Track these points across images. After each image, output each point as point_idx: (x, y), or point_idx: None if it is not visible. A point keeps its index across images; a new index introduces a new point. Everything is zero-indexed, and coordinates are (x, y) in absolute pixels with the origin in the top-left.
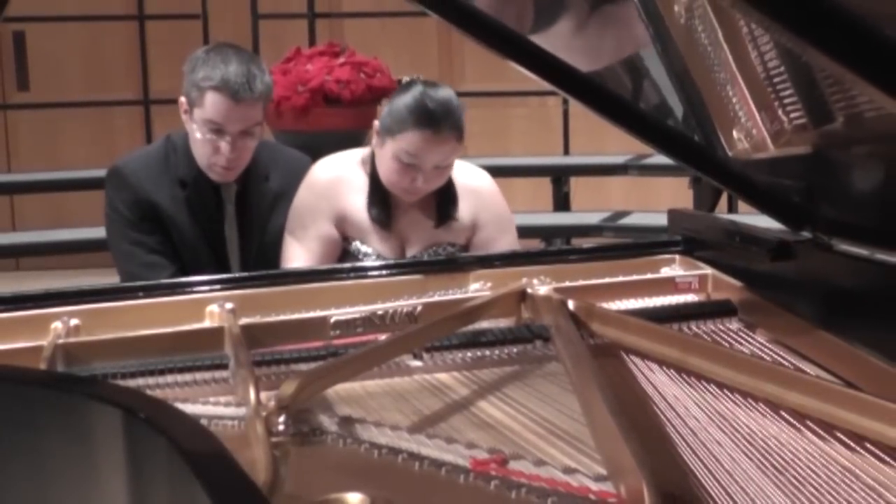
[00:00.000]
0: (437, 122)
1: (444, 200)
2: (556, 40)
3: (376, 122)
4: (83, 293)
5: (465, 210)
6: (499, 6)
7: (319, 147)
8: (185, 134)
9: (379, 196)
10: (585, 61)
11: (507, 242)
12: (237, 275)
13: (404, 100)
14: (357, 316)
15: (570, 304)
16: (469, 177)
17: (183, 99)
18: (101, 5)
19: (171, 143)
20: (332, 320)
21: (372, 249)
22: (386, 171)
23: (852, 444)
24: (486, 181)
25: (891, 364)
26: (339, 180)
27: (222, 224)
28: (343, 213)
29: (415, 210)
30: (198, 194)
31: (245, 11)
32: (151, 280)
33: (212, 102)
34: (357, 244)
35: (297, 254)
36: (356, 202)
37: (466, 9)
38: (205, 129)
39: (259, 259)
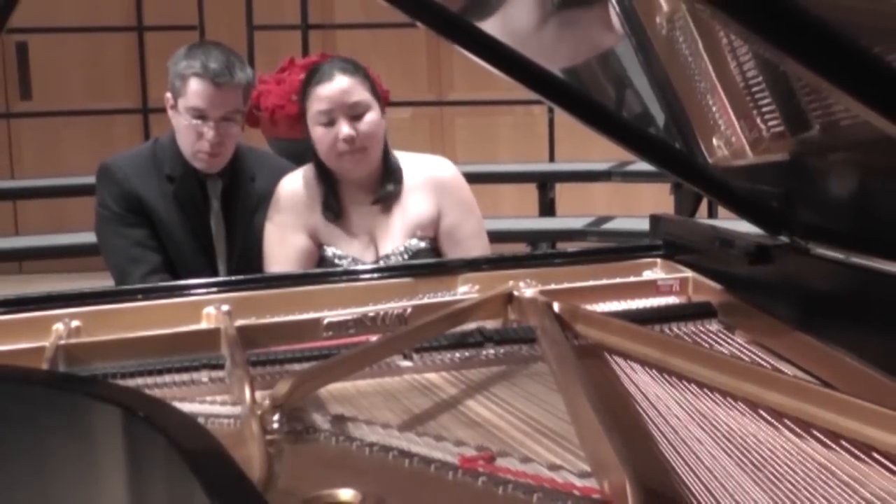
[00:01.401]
0: (326, 73)
1: (385, 181)
2: (535, 43)
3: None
4: (84, 296)
5: (428, 201)
6: (484, 15)
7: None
8: (172, 134)
9: (329, 191)
10: (564, 59)
11: (473, 227)
12: (233, 278)
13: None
14: (349, 318)
15: (556, 307)
16: (430, 168)
17: (168, 94)
18: (101, 16)
19: (159, 143)
20: (325, 322)
21: (345, 253)
22: (317, 141)
23: (828, 441)
24: (446, 170)
25: (865, 364)
26: (303, 193)
27: (208, 218)
28: (313, 222)
29: (377, 210)
30: (184, 189)
31: (240, 22)
32: (134, 273)
33: (194, 89)
34: (332, 249)
35: (277, 270)
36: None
37: (455, 20)
38: (189, 116)
39: (244, 254)
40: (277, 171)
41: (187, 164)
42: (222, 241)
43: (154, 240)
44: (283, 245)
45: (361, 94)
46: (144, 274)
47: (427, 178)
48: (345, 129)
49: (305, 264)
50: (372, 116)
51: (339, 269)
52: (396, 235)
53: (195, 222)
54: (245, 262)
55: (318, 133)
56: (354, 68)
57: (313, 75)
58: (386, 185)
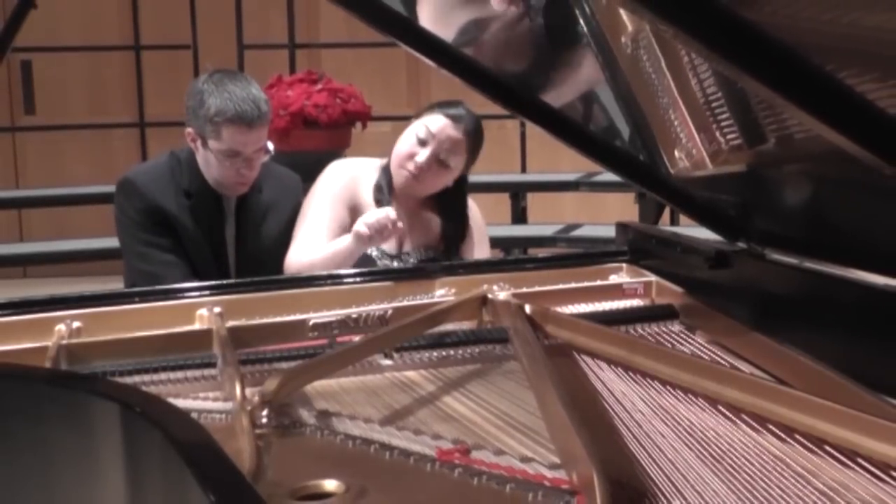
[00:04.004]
0: (460, 117)
1: (452, 216)
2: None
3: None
4: (85, 298)
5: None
6: (480, 50)
7: (299, 165)
8: (188, 150)
9: (384, 181)
10: (536, 77)
11: (483, 251)
12: (225, 281)
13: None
14: (333, 319)
15: (527, 309)
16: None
17: (190, 130)
18: (100, 36)
19: (175, 158)
20: (311, 323)
21: None
22: (400, 142)
23: (783, 435)
24: (472, 207)
25: (818, 363)
26: (357, 176)
27: (223, 231)
28: (357, 203)
29: (419, 214)
30: (201, 204)
31: (231, 42)
32: (169, 277)
33: (229, 134)
34: None
35: (316, 234)
36: (368, 198)
37: (432, 41)
38: (222, 156)
39: (253, 261)
40: (283, 181)
41: (205, 182)
42: (233, 249)
43: (180, 246)
44: (323, 211)
45: (461, 155)
46: (180, 277)
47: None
48: (423, 158)
49: (339, 236)
50: (450, 177)
51: (323, 273)
52: (420, 241)
53: (210, 234)
54: (253, 266)
55: (407, 138)
56: (477, 139)
57: (451, 106)
58: (448, 230)
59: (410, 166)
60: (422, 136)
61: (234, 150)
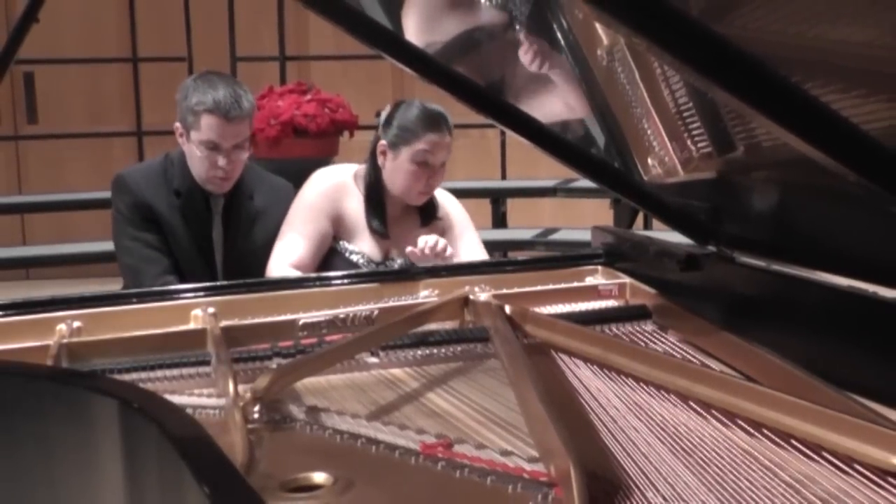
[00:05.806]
0: (442, 125)
1: (426, 206)
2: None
3: (382, 142)
4: (85, 299)
5: (437, 226)
6: (444, 51)
7: (290, 172)
8: (181, 152)
9: (377, 209)
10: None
11: (470, 239)
12: (218, 283)
13: (410, 113)
14: (322, 319)
15: (507, 309)
16: (442, 200)
17: (178, 124)
18: (100, 48)
19: (170, 159)
20: (301, 323)
21: (358, 249)
22: (408, 173)
23: (751, 430)
24: (447, 195)
25: (784, 361)
26: (341, 186)
27: (210, 231)
28: (341, 214)
29: (403, 220)
30: (190, 203)
31: (224, 54)
32: (149, 273)
33: (207, 124)
34: (344, 244)
35: (297, 243)
36: (353, 207)
37: (415, 53)
38: (202, 147)
39: (241, 264)
40: (275, 190)
41: (193, 182)
42: (220, 250)
43: (164, 243)
44: (306, 222)
45: (449, 149)
46: (157, 274)
47: (441, 208)
48: (435, 177)
49: (319, 247)
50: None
51: (312, 275)
52: (405, 246)
53: (198, 233)
54: (240, 269)
55: (411, 168)
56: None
57: (430, 118)
58: (432, 211)
59: (427, 189)
60: (421, 159)
61: (212, 140)
